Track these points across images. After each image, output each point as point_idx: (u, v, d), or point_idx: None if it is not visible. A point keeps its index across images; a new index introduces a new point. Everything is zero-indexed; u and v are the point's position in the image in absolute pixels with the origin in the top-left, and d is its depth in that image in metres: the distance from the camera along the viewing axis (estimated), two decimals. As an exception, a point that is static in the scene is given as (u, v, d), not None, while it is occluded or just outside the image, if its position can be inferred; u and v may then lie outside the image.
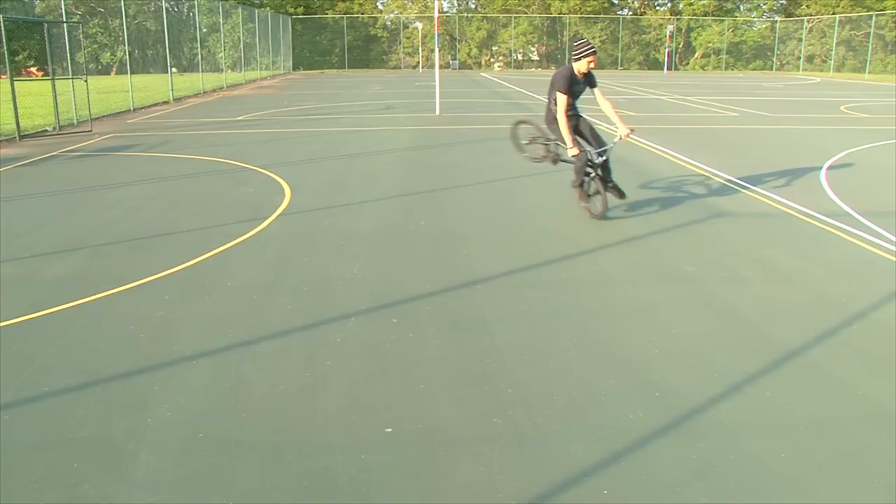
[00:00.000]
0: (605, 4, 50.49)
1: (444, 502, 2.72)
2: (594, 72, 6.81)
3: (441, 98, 17.81)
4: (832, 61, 43.93)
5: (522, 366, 3.84)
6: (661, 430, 3.20)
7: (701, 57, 50.14)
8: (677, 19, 49.63)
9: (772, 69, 48.67)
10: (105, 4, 36.27)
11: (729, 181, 8.86)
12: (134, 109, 18.81)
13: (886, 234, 6.43)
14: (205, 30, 32.34)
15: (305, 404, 3.44)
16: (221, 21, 30.45)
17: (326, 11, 50.37)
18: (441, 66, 29.31)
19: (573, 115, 6.87)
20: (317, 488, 2.79)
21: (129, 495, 2.75)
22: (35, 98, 18.57)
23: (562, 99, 6.65)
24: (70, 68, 15.21)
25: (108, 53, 38.47)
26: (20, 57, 29.55)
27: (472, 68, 50.03)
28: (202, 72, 26.46)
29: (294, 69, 46.58)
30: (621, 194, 7.02)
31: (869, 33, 42.02)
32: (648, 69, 49.08)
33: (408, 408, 3.40)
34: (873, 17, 41.60)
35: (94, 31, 37.02)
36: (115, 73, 37.23)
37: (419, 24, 49.65)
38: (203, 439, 3.13)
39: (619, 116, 6.87)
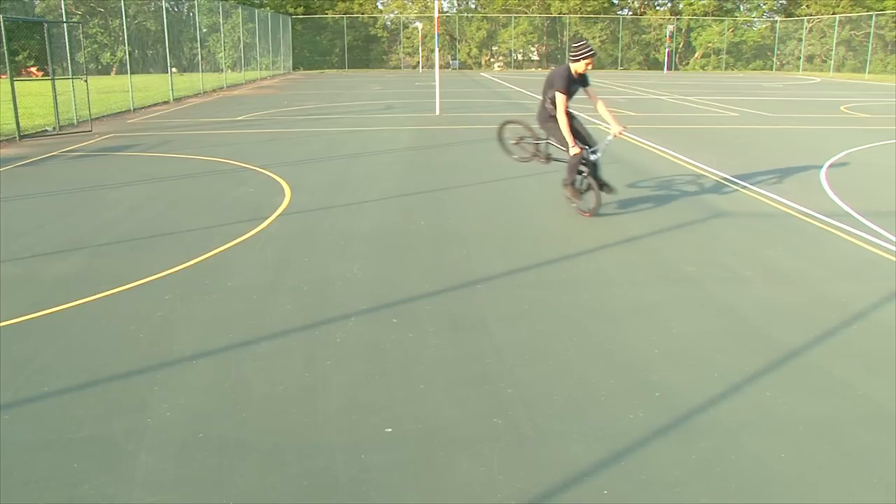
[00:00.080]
0: (605, 4, 50.49)
1: (444, 502, 2.72)
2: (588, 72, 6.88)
3: (441, 98, 17.81)
4: (832, 61, 43.92)
5: (522, 366, 3.84)
6: (661, 430, 3.20)
7: (701, 57, 50.15)
8: (677, 19, 49.63)
9: (772, 69, 48.67)
10: (105, 4, 36.27)
11: (729, 181, 8.86)
12: (134, 109, 18.81)
13: (886, 234, 6.43)
14: (205, 30, 32.34)
15: (305, 404, 3.44)
16: (221, 21, 30.46)
17: (326, 11, 50.37)
18: (441, 66, 29.30)
19: (568, 114, 6.91)
20: (317, 488, 2.79)
21: (129, 495, 2.75)
22: (35, 98, 18.57)
23: (561, 98, 6.68)
24: (70, 68, 15.21)
25: (108, 53, 38.46)
26: (20, 57, 29.55)
27: (472, 68, 50.03)
28: (202, 72, 26.46)
29: (294, 69, 46.59)
30: (611, 190, 7.06)
31: (869, 33, 42.02)
32: (648, 69, 49.08)
33: (408, 408, 3.40)
34: (873, 17, 41.60)
35: (94, 31, 37.01)
36: (115, 73, 37.23)
37: (419, 24, 49.65)
38: (203, 439, 3.13)
39: (612, 115, 6.96)
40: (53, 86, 14.24)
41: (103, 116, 17.11)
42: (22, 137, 13.15)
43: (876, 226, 6.68)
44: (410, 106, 19.95)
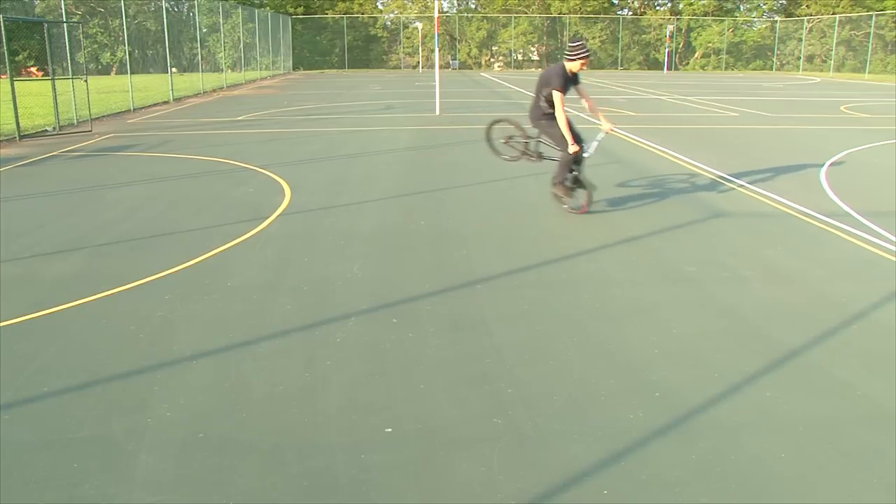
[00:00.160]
0: (605, 4, 50.49)
1: (444, 502, 2.72)
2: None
3: (441, 98, 17.81)
4: (832, 61, 43.92)
5: (522, 366, 3.84)
6: (661, 430, 3.20)
7: (701, 57, 50.14)
8: (677, 19, 49.63)
9: (772, 69, 48.67)
10: (105, 4, 36.27)
11: (729, 181, 8.85)
12: (134, 109, 18.81)
13: (886, 234, 6.43)
14: (205, 30, 32.34)
15: (305, 404, 3.44)
16: (221, 21, 30.46)
17: (326, 11, 50.37)
18: (441, 66, 29.31)
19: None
20: (317, 488, 2.79)
21: (129, 495, 2.75)
22: (35, 98, 18.57)
23: (558, 97, 6.72)
24: (70, 68, 15.21)
25: (108, 53, 38.47)
26: (20, 57, 29.56)
27: (472, 68, 50.03)
28: (202, 72, 26.46)
29: (294, 69, 46.58)
30: (592, 186, 7.12)
31: (869, 33, 42.02)
32: (648, 69, 49.07)
33: (408, 408, 3.40)
34: (873, 17, 41.60)
35: (94, 31, 37.02)
36: (115, 73, 37.24)
37: (419, 24, 49.65)
38: (203, 439, 3.13)
39: (601, 113, 7.05)
40: (53, 86, 14.24)
41: (103, 116, 17.11)
42: (22, 137, 13.15)
43: (876, 226, 6.68)
44: (410, 106, 19.95)
